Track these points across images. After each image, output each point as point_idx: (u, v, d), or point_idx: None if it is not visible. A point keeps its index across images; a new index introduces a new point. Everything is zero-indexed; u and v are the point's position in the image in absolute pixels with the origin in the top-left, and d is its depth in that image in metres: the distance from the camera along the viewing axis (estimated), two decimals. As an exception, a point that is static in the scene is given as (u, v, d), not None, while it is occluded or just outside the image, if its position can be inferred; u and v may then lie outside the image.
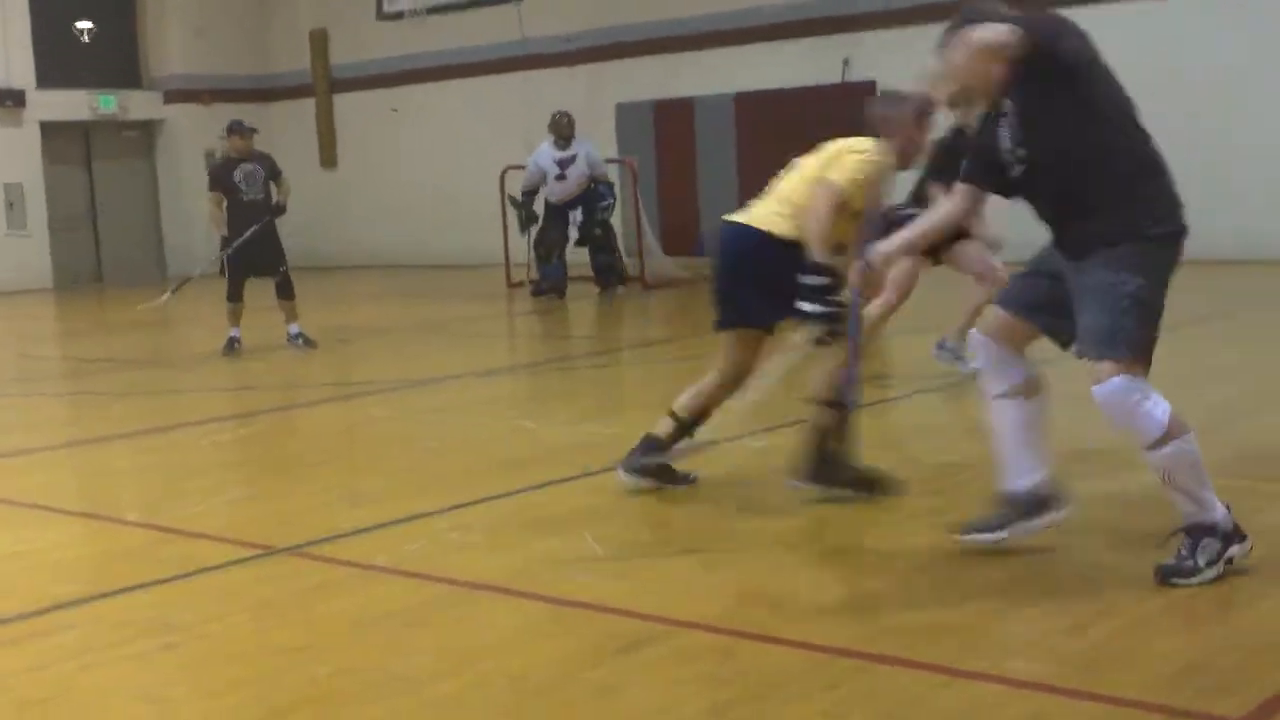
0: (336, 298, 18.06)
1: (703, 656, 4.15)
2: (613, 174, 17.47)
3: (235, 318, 12.23)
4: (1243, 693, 3.61)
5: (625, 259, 16.89)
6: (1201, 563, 4.40)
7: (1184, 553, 4.43)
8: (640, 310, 15.44)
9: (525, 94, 21.48)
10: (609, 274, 16.21)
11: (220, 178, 12.38)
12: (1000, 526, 4.85)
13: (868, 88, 18.65)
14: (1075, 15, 4.69)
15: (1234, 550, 4.45)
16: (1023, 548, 4.90)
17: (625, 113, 20.84)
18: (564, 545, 5.41)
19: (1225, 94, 15.95)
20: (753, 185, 22.63)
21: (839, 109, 19.01)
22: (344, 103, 24.81)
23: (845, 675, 3.93)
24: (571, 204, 15.98)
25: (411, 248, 23.33)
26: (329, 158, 25.08)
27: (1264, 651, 3.91)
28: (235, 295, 12.22)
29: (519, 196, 16.25)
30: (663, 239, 18.78)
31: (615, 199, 16.43)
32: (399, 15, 23.02)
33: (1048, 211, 4.66)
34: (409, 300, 17.82)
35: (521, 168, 16.53)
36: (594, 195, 15.98)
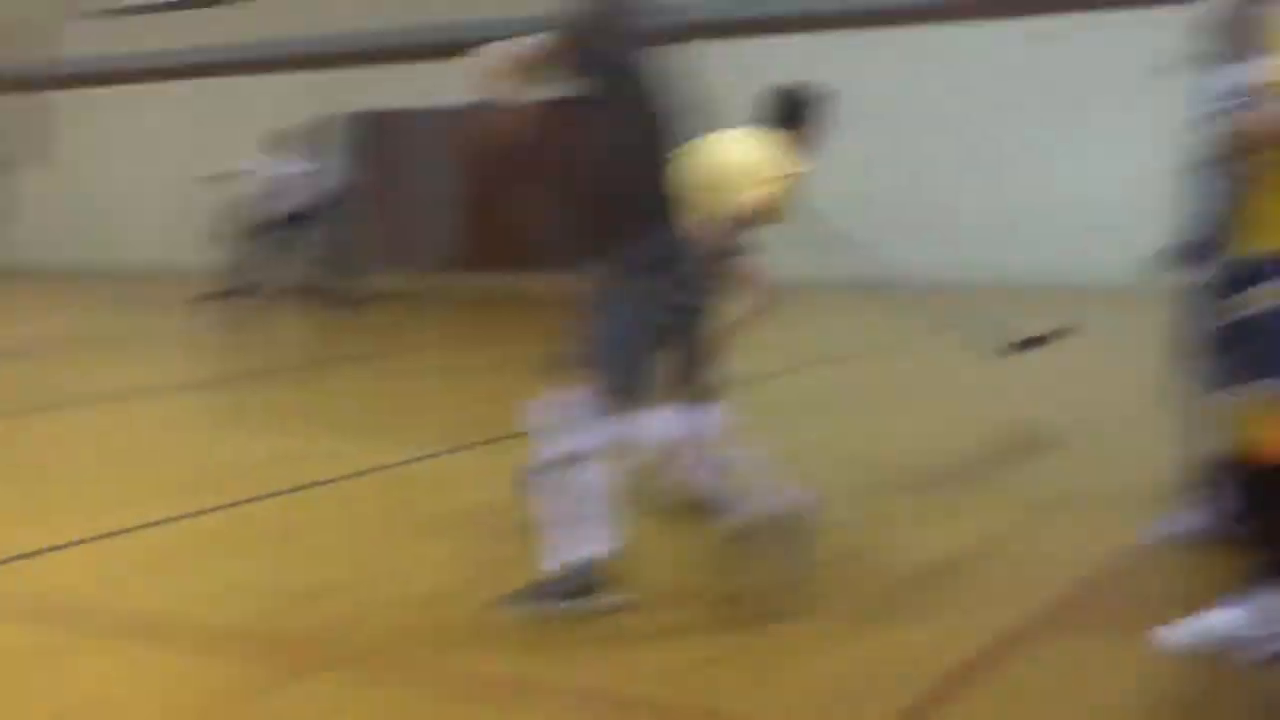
0: (10, 307, 17.14)
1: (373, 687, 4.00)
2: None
3: None
4: (874, 710, 3.70)
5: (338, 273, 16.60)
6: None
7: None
8: (340, 324, 15.09)
9: (232, 100, 20.93)
10: (325, 287, 16.01)
11: None
12: (546, 598, 4.43)
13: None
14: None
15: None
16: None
17: (351, 122, 20.49)
18: (260, 568, 5.17)
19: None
20: (472, 201, 22.27)
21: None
22: (33, 102, 23.58)
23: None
24: (294, 215, 15.73)
25: (98, 254, 22.30)
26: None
27: (900, 669, 4.00)
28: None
29: (231, 202, 15.87)
30: (376, 253, 18.53)
31: (340, 214, 16.33)
32: (96, 14, 22.05)
33: None
34: (89, 310, 17.03)
35: (225, 176, 16.12)
36: (318, 209, 15.89)
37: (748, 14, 17.98)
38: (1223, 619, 4.09)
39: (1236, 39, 5.35)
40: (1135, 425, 7.05)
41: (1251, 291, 3.99)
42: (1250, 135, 4.02)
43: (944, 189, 17.17)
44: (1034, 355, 8.03)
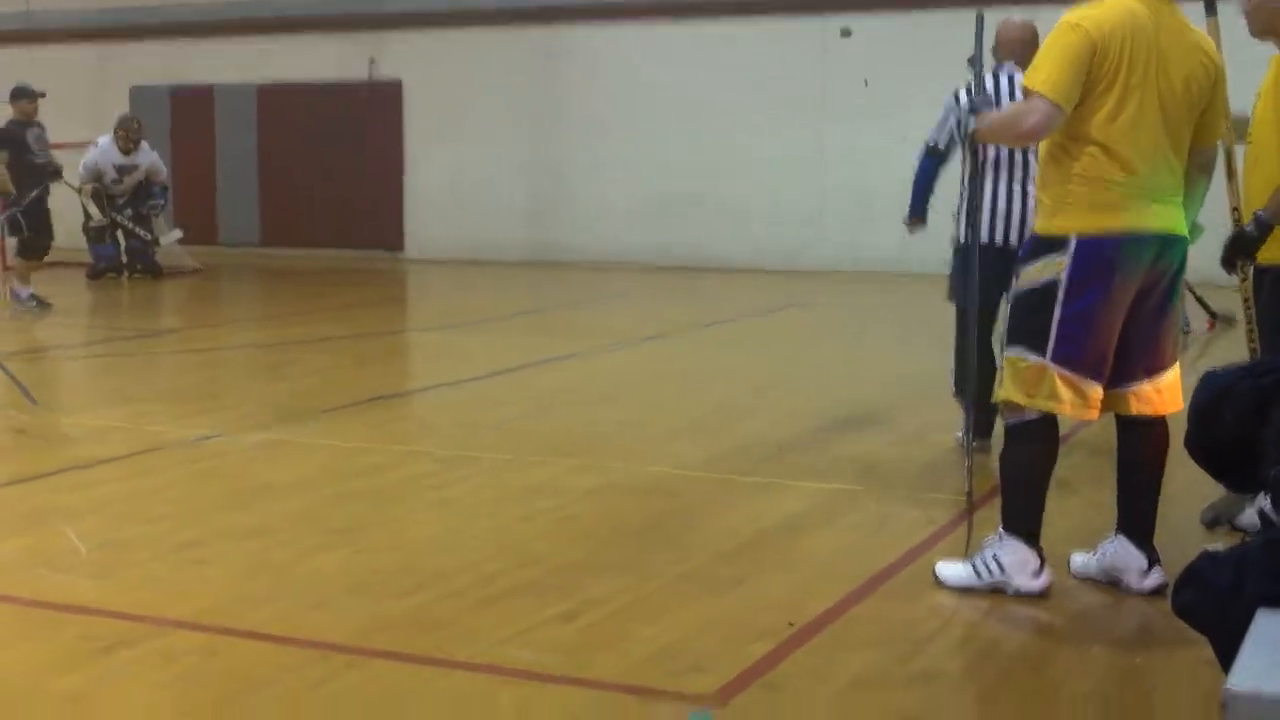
0: None
1: (185, 657, 3.97)
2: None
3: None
4: (714, 671, 3.81)
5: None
6: None
7: None
8: (149, 299, 14.72)
9: (30, 71, 20.12)
10: (140, 259, 15.65)
11: (16, 138, 12.66)
12: None
13: (394, 87, 18.67)
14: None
15: None
16: (505, 544, 5.00)
17: (140, 96, 19.86)
18: (42, 543, 5.07)
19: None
20: (274, 178, 22.21)
21: (365, 107, 19.07)
22: None
23: (334, 671, 3.86)
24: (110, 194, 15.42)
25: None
26: None
27: (735, 631, 4.14)
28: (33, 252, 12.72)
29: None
30: (177, 227, 18.05)
31: (166, 202, 15.97)
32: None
33: None
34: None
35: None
36: (145, 193, 15.60)
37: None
38: (952, 571, 4.52)
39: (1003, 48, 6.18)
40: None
41: (1020, 270, 4.40)
42: (979, 134, 4.70)
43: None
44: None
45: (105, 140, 15.43)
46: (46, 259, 13.10)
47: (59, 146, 15.76)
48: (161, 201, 15.90)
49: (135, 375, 9.65)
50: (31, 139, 12.89)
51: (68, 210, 14.81)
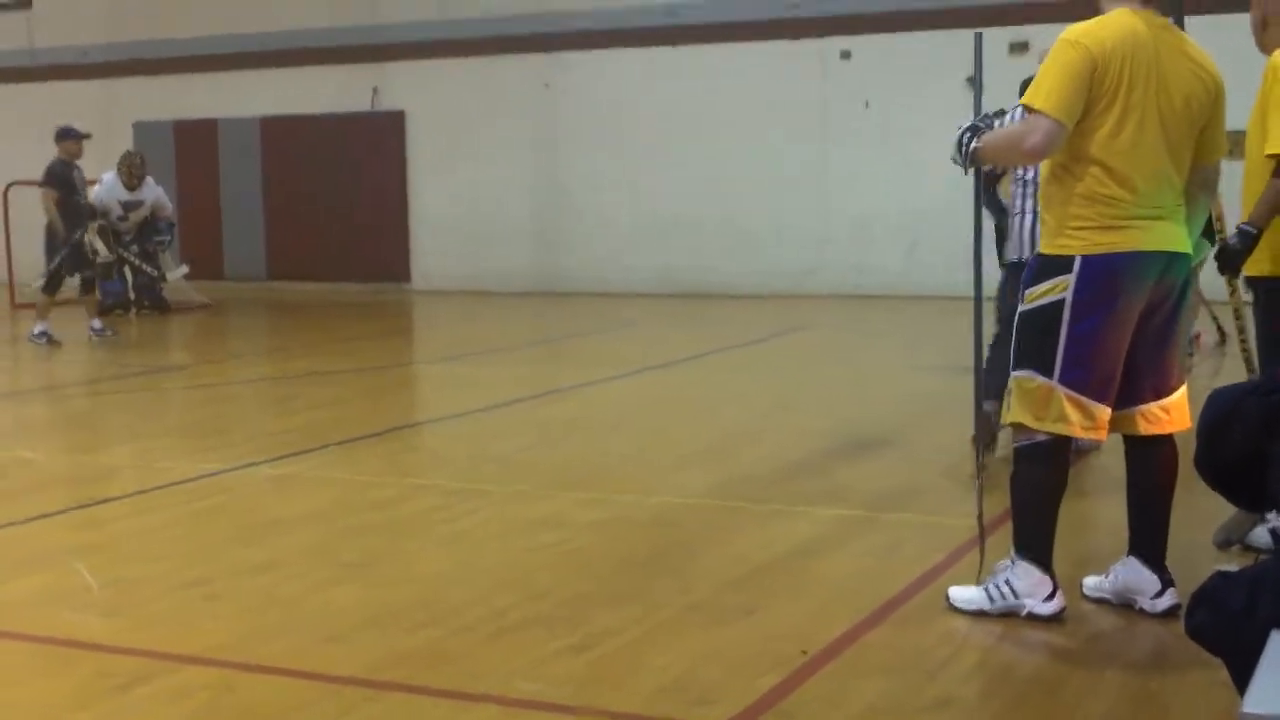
0: None
1: (200, 692, 3.97)
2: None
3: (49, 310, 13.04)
4: (726, 701, 3.80)
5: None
6: None
7: None
8: (157, 334, 14.76)
9: (34, 107, 20.25)
10: (147, 295, 15.78)
11: (65, 178, 13.07)
12: None
13: (397, 117, 18.75)
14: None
15: None
16: (514, 577, 5.01)
17: (143, 131, 19.95)
18: (55, 581, 5.07)
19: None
20: (279, 211, 22.24)
21: (368, 137, 19.14)
22: None
23: (351, 705, 3.86)
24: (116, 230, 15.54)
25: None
26: None
27: (747, 660, 4.13)
28: (56, 289, 13.10)
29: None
30: (184, 263, 18.10)
31: (173, 237, 16.07)
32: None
33: None
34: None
35: (30, 183, 15.58)
36: (151, 229, 15.75)
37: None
38: (964, 595, 4.53)
39: None
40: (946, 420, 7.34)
41: (1025, 291, 4.40)
42: (980, 153, 4.50)
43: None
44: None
45: (110, 177, 15.49)
46: (58, 297, 13.28)
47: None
48: (167, 237, 15.97)
49: (144, 412, 9.67)
50: (77, 179, 13.25)
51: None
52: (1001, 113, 5.94)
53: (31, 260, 16.91)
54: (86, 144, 13.35)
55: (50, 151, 13.39)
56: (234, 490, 6.67)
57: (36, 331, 12.96)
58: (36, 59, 20.55)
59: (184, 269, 16.31)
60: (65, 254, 13.01)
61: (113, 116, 19.73)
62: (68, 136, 13.31)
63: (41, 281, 13.16)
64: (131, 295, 15.79)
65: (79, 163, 13.34)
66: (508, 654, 4.22)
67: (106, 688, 3.99)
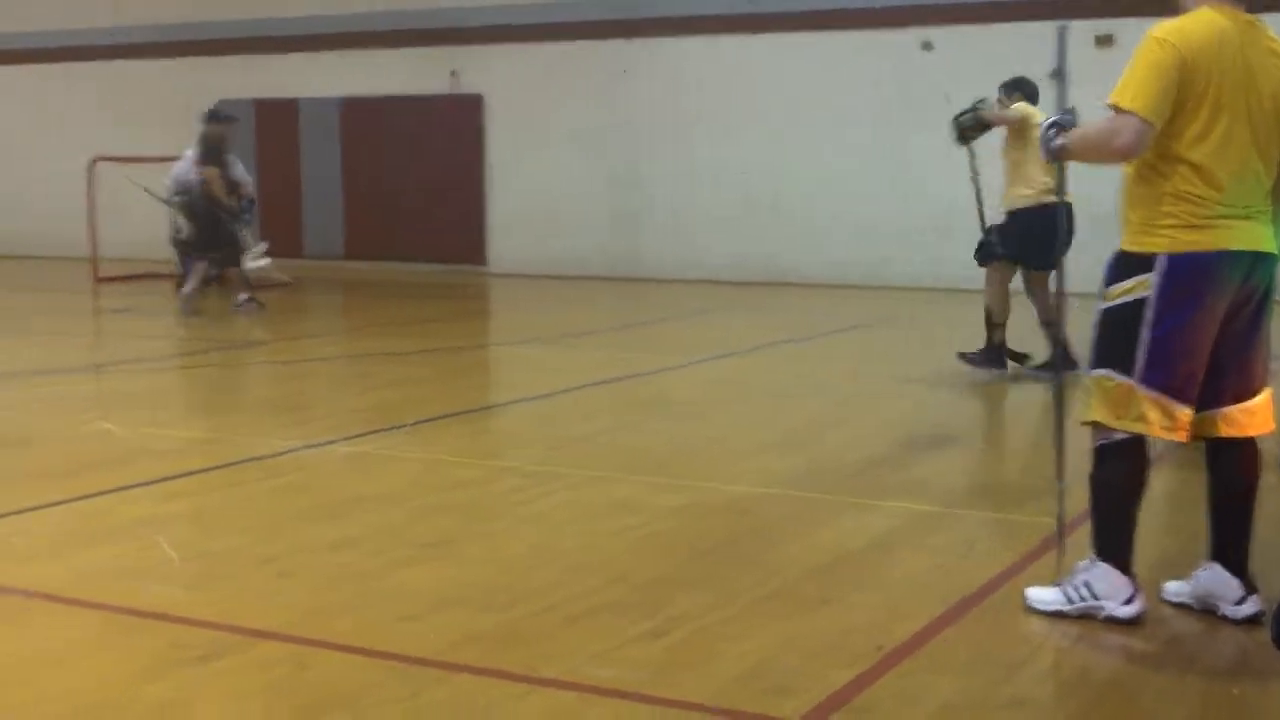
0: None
1: (274, 667, 4.01)
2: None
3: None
4: (802, 693, 3.78)
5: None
6: None
7: None
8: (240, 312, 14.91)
9: (115, 85, 20.52)
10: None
11: (219, 156, 14.12)
12: None
13: (475, 100, 18.82)
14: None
15: None
16: (592, 561, 5.01)
17: (225, 109, 20.11)
18: (135, 552, 5.14)
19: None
20: (358, 191, 22.40)
21: (446, 120, 19.22)
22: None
23: (423, 685, 3.88)
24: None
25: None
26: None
27: (823, 652, 4.11)
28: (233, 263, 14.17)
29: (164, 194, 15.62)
30: (264, 240, 18.28)
31: (253, 216, 16.21)
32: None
33: None
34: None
35: (114, 159, 15.88)
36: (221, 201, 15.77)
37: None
38: (1042, 596, 4.48)
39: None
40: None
41: (1106, 288, 4.32)
42: (1067, 152, 4.43)
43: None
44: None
45: (192, 153, 15.65)
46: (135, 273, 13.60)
47: (145, 160, 16.11)
48: (249, 217, 16.10)
49: (225, 387, 9.79)
50: (229, 158, 14.29)
51: (152, 223, 15.06)
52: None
53: (114, 236, 17.20)
54: (168, 122, 13.65)
55: (133, 130, 13.63)
56: (312, 467, 6.73)
57: (242, 299, 14.01)
58: (118, 37, 20.79)
59: (264, 246, 16.46)
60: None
61: (194, 95, 19.94)
62: (223, 119, 14.41)
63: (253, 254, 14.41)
64: (214, 271, 15.93)
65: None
66: (583, 638, 4.23)
67: (182, 659, 4.04)
